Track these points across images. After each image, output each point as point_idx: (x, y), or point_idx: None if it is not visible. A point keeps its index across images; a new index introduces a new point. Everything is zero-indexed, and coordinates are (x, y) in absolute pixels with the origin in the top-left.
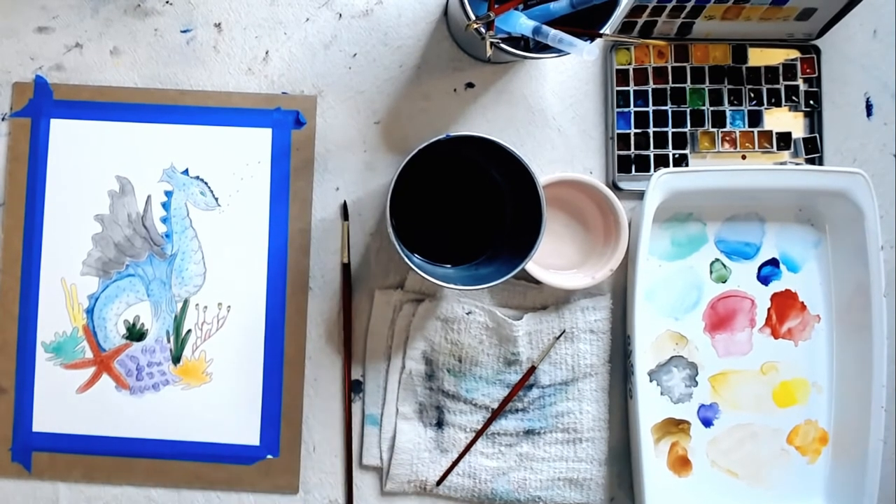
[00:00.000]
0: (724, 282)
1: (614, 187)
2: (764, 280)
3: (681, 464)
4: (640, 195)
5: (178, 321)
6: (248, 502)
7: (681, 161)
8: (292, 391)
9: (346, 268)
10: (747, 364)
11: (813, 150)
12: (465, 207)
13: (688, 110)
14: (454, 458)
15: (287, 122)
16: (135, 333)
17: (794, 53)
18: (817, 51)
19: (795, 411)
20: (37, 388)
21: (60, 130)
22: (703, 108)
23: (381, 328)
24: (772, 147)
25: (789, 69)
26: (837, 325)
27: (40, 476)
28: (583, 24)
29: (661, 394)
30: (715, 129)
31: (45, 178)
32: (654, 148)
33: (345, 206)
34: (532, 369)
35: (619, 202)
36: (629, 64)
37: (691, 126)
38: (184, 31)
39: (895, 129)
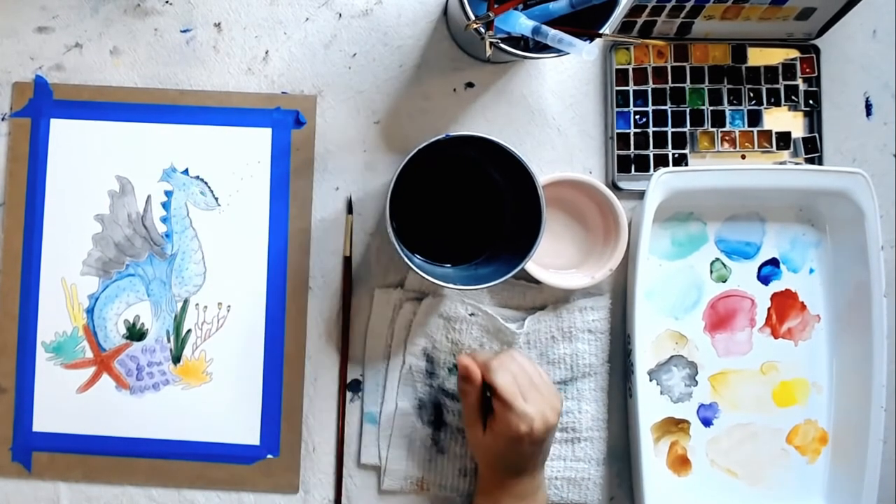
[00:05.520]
0: (724, 281)
1: (614, 187)
2: (764, 280)
3: (680, 463)
4: (639, 195)
5: (178, 321)
6: (248, 502)
7: (680, 161)
8: (292, 391)
9: (347, 261)
10: (747, 364)
11: (812, 149)
12: (465, 207)
13: (687, 110)
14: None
15: (287, 121)
16: (135, 333)
17: (793, 53)
18: (817, 50)
19: (795, 411)
20: (37, 387)
21: (60, 130)
22: (702, 107)
23: (380, 327)
24: (771, 147)
25: (789, 69)
26: (837, 325)
27: (40, 476)
28: (582, 23)
29: (661, 393)
30: (714, 129)
31: (45, 178)
32: (654, 148)
33: (349, 201)
34: None
35: (618, 202)
36: (629, 64)
37: (691, 126)
38: (183, 31)
39: (895, 128)
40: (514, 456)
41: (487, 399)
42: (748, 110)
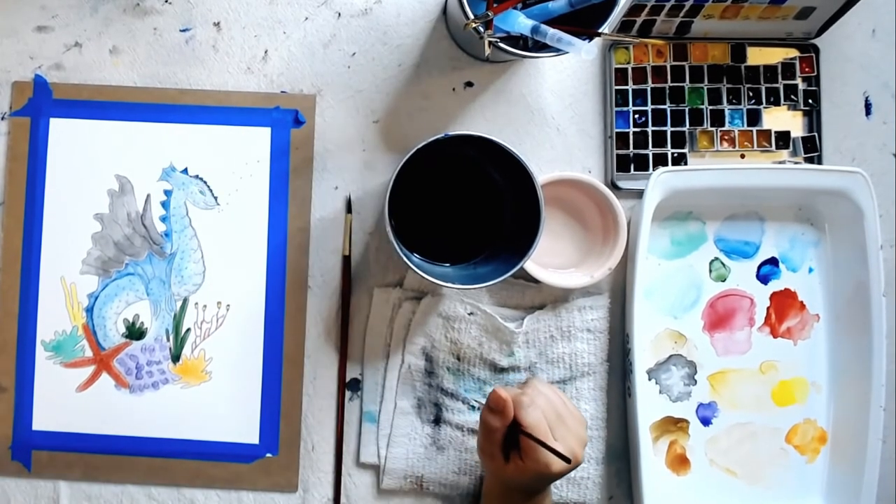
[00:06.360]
0: (723, 280)
1: (613, 186)
2: (763, 279)
3: (679, 462)
4: (638, 194)
5: (178, 320)
6: (247, 500)
7: (679, 160)
8: (291, 389)
9: (346, 260)
10: (746, 363)
11: (812, 149)
12: (464, 206)
13: (686, 109)
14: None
15: (286, 121)
16: (134, 332)
17: (792, 52)
18: (816, 50)
19: (794, 410)
20: (37, 386)
21: (60, 129)
22: (701, 107)
23: (379, 326)
24: (770, 146)
25: (788, 68)
26: (837, 325)
27: (40, 474)
28: (581, 23)
29: (660, 392)
30: (714, 128)
31: (44, 178)
32: (653, 147)
33: (349, 200)
34: None
35: (617, 201)
36: (628, 63)
37: (690, 125)
38: (183, 31)
39: (894, 128)
40: (536, 486)
41: (511, 432)
42: (747, 109)
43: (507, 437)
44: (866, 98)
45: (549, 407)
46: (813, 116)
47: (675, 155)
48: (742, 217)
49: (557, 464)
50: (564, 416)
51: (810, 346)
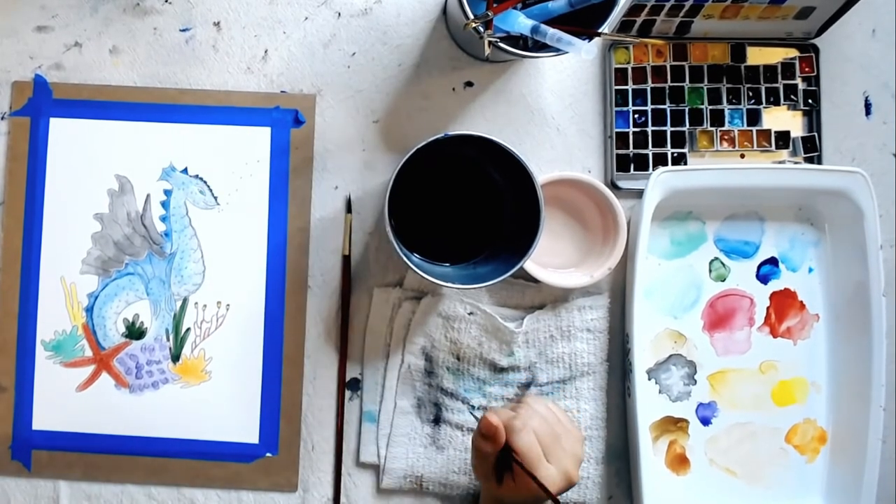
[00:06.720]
0: (723, 280)
1: (613, 186)
2: (763, 279)
3: (679, 462)
4: (638, 194)
5: (178, 319)
6: (247, 500)
7: (679, 160)
8: (291, 389)
9: (346, 260)
10: (746, 363)
11: (812, 149)
12: (464, 206)
13: (686, 109)
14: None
15: (286, 120)
16: (134, 332)
17: (792, 52)
18: (816, 50)
19: (794, 410)
20: (36, 386)
21: (60, 129)
22: (701, 106)
23: (379, 326)
24: (770, 146)
25: (788, 68)
26: (836, 325)
27: (40, 474)
28: (581, 22)
29: (660, 392)
30: (713, 128)
31: (44, 177)
32: (653, 147)
33: (348, 200)
34: None
35: (617, 201)
36: (628, 63)
37: (690, 125)
38: (183, 30)
39: (894, 128)
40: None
41: (504, 454)
42: (747, 109)
43: (500, 458)
44: (866, 98)
45: (543, 427)
46: (813, 116)
47: (675, 155)
48: (742, 217)
49: (551, 486)
50: (560, 434)
51: (810, 346)
